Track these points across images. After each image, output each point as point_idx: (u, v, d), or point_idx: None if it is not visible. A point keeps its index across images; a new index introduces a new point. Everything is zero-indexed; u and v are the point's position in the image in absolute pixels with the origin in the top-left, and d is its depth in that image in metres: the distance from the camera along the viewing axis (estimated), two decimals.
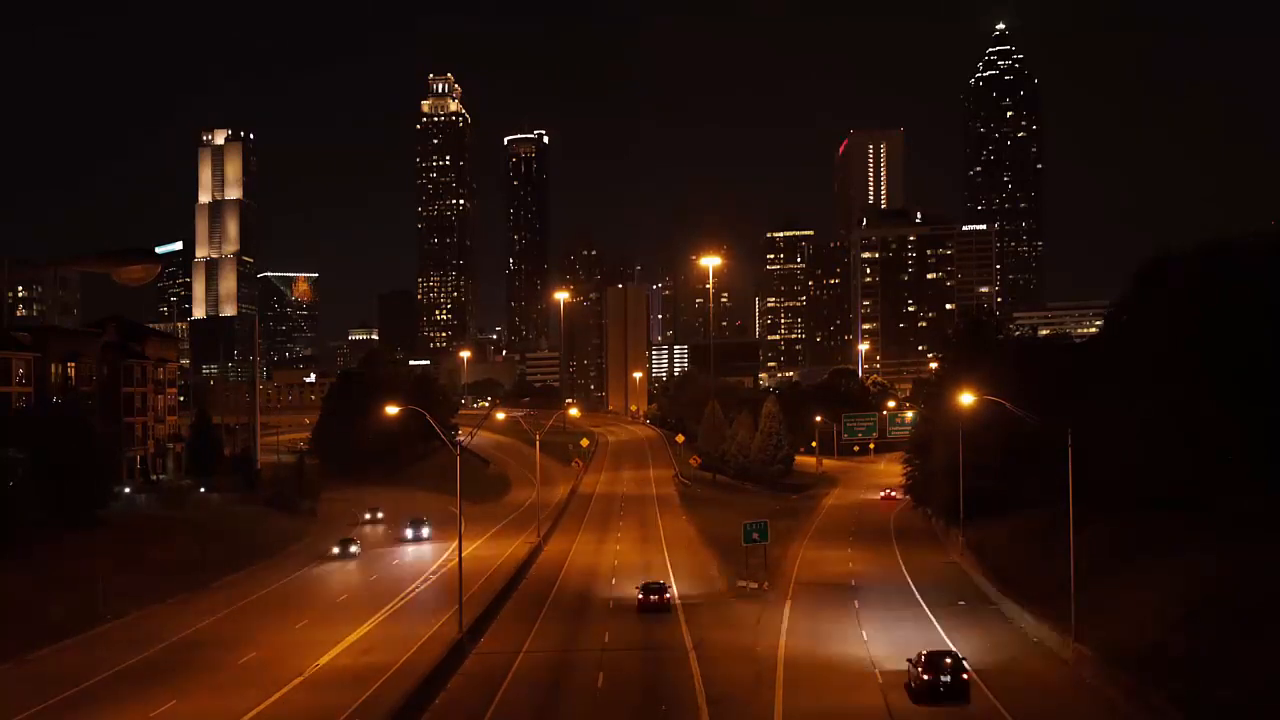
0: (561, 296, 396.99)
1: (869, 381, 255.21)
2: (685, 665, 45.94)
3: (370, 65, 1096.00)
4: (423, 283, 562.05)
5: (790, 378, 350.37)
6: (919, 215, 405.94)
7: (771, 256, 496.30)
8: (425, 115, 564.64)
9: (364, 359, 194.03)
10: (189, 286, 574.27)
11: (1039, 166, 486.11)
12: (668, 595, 59.28)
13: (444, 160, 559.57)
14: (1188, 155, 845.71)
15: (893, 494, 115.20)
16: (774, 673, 44.22)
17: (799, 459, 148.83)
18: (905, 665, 41.83)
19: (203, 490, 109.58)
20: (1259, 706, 32.51)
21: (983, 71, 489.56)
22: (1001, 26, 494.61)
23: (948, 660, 39.98)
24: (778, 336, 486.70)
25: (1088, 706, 38.86)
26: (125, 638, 56.41)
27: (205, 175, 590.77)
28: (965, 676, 39.53)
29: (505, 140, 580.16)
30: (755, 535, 65.21)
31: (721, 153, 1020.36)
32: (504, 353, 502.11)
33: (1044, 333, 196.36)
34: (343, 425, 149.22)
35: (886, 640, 50.03)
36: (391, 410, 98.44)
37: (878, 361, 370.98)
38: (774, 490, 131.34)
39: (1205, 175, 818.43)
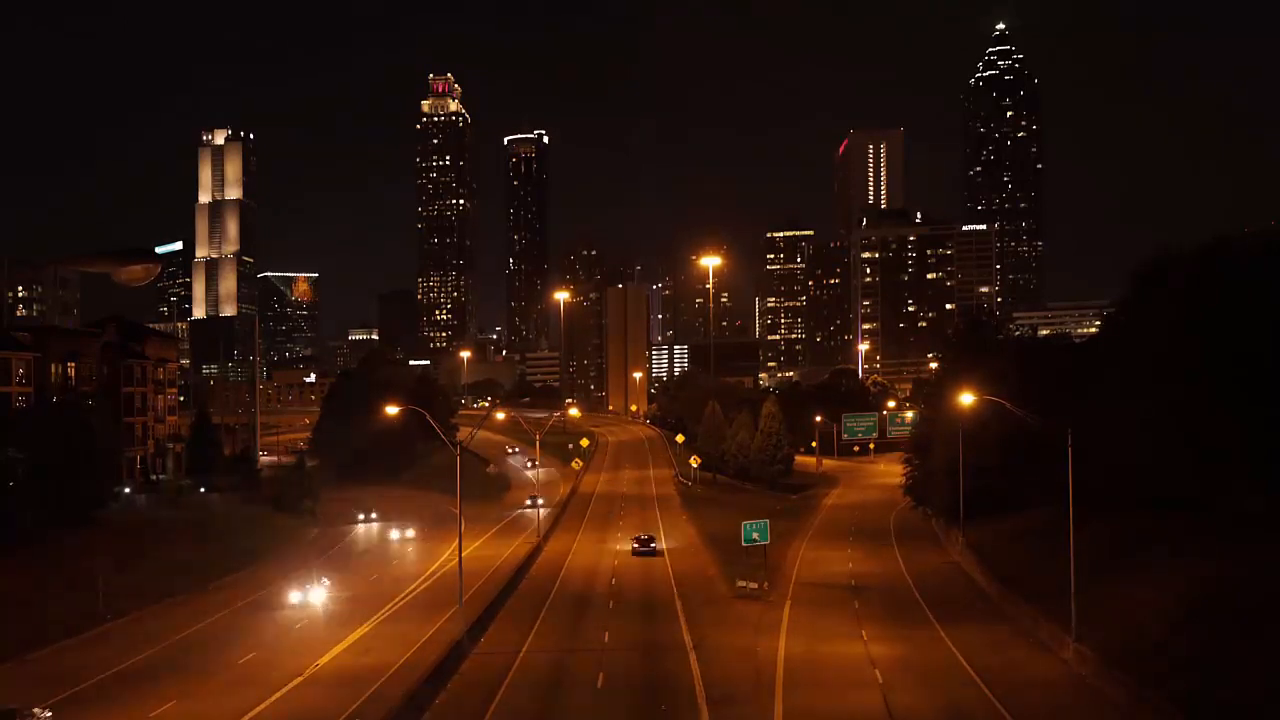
0: (561, 296, 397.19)
1: (869, 381, 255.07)
2: (685, 665, 45.92)
3: (370, 65, 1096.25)
4: (423, 283, 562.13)
5: (790, 378, 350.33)
6: (919, 215, 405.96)
7: (771, 256, 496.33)
8: (425, 115, 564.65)
9: (364, 359, 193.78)
10: (189, 286, 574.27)
11: (1039, 166, 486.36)
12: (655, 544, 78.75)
13: (444, 160, 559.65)
14: (1188, 155, 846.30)
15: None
16: (774, 673, 44.20)
17: (799, 459, 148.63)
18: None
19: (203, 490, 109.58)
20: (1259, 706, 32.49)
21: (983, 71, 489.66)
22: (1001, 26, 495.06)
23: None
24: (778, 336, 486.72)
25: (1088, 706, 38.84)
26: (125, 638, 56.39)
27: (205, 175, 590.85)
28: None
29: (505, 140, 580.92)
30: (755, 535, 65.17)
31: (721, 152, 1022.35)
32: (504, 353, 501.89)
33: (1044, 333, 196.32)
34: (343, 425, 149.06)
35: (887, 640, 50.07)
36: (391, 410, 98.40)
37: (878, 361, 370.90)
38: (774, 490, 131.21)
39: (1205, 175, 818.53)
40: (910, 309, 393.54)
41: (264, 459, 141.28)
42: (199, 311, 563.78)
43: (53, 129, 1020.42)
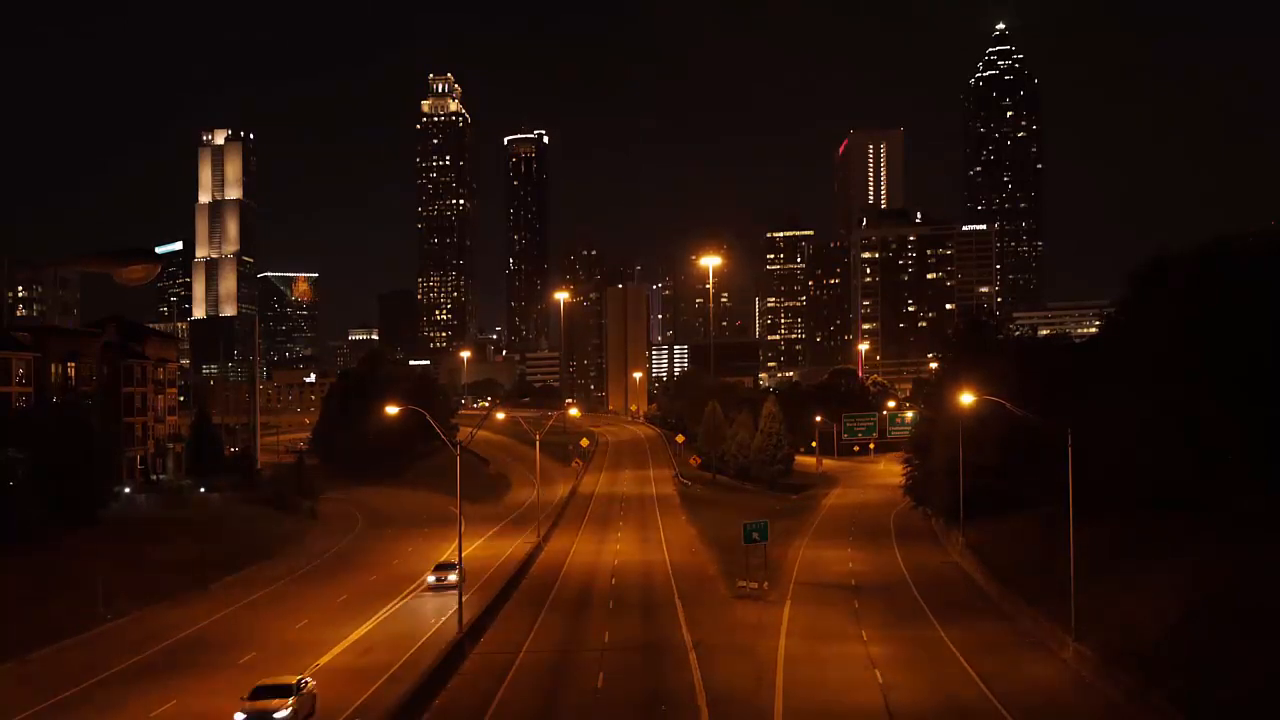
0: (561, 296, 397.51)
1: (869, 381, 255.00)
2: (685, 665, 45.92)
3: (370, 65, 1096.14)
4: (423, 283, 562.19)
5: (790, 378, 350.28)
6: (919, 215, 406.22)
7: (771, 256, 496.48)
8: (425, 115, 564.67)
9: (364, 359, 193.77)
10: (189, 286, 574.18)
11: (1039, 166, 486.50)
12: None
13: (444, 160, 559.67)
14: (1188, 155, 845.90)
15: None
16: (774, 673, 44.21)
17: (799, 459, 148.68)
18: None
19: (203, 490, 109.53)
20: (1259, 706, 32.49)
21: (983, 71, 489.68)
22: (1001, 26, 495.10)
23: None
24: (778, 336, 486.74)
25: (1088, 706, 38.85)
26: (125, 638, 56.40)
27: (205, 175, 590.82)
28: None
29: (505, 140, 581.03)
30: (755, 535, 65.14)
31: (721, 153, 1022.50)
32: (504, 353, 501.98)
33: (1044, 333, 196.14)
34: (343, 425, 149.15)
35: (886, 640, 50.07)
36: (391, 410, 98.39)
37: (878, 361, 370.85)
38: (774, 490, 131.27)
39: (1205, 175, 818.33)
40: (910, 309, 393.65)
41: (264, 459, 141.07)
42: (199, 311, 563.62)
43: (53, 129, 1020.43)
